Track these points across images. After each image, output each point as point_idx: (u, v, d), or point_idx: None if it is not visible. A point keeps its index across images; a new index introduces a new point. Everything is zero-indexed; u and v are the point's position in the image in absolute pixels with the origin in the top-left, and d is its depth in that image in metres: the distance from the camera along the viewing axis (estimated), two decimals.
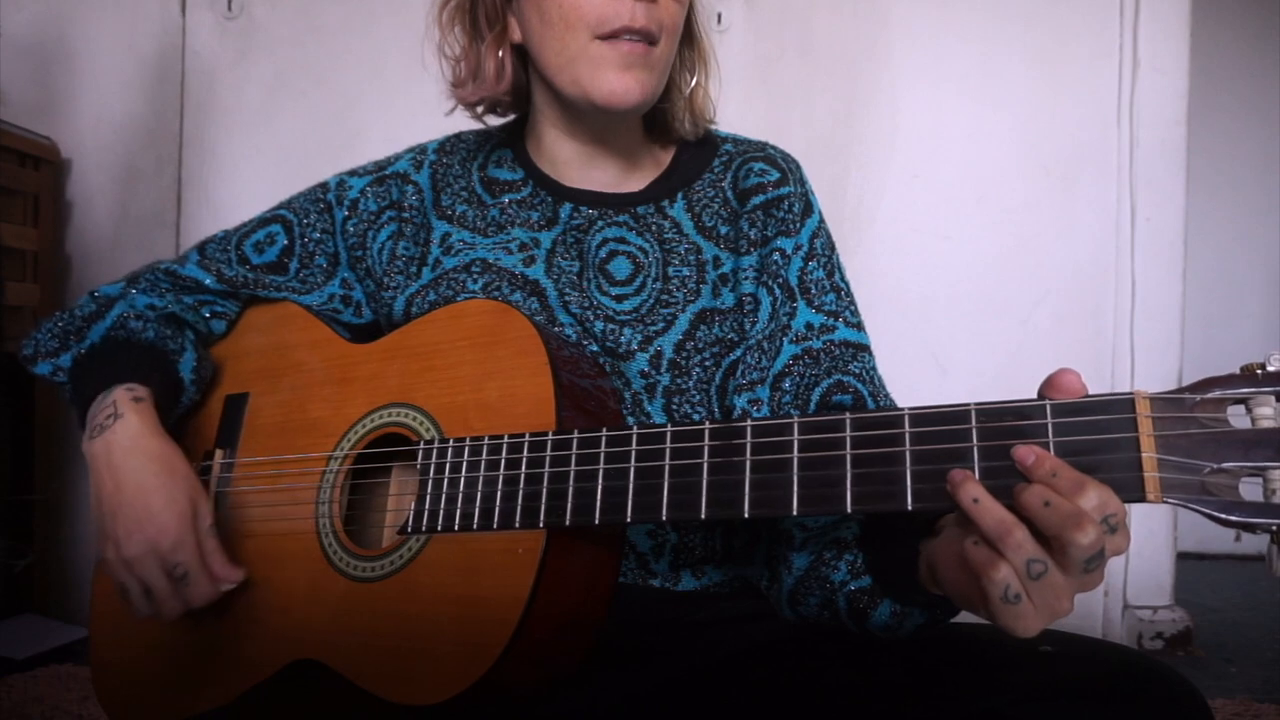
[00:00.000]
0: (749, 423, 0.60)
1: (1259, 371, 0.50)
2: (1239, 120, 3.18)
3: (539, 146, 0.90)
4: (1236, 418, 0.50)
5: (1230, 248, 3.18)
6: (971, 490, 0.52)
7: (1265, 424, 0.49)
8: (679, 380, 0.80)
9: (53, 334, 0.87)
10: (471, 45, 0.87)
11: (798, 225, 0.84)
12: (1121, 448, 0.50)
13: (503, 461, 0.67)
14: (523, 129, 0.93)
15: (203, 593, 0.76)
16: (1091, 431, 0.51)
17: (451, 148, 0.94)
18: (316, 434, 0.80)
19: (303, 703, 0.77)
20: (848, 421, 0.57)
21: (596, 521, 0.63)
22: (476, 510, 0.67)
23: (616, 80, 0.78)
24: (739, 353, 0.82)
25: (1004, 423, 0.53)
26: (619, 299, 0.83)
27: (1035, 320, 2.03)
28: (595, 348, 0.81)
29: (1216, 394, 0.49)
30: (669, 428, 0.62)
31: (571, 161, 0.88)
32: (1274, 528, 0.48)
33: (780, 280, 0.82)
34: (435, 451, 0.70)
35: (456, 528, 0.67)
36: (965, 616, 0.61)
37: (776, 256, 0.83)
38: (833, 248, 0.87)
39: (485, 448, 0.68)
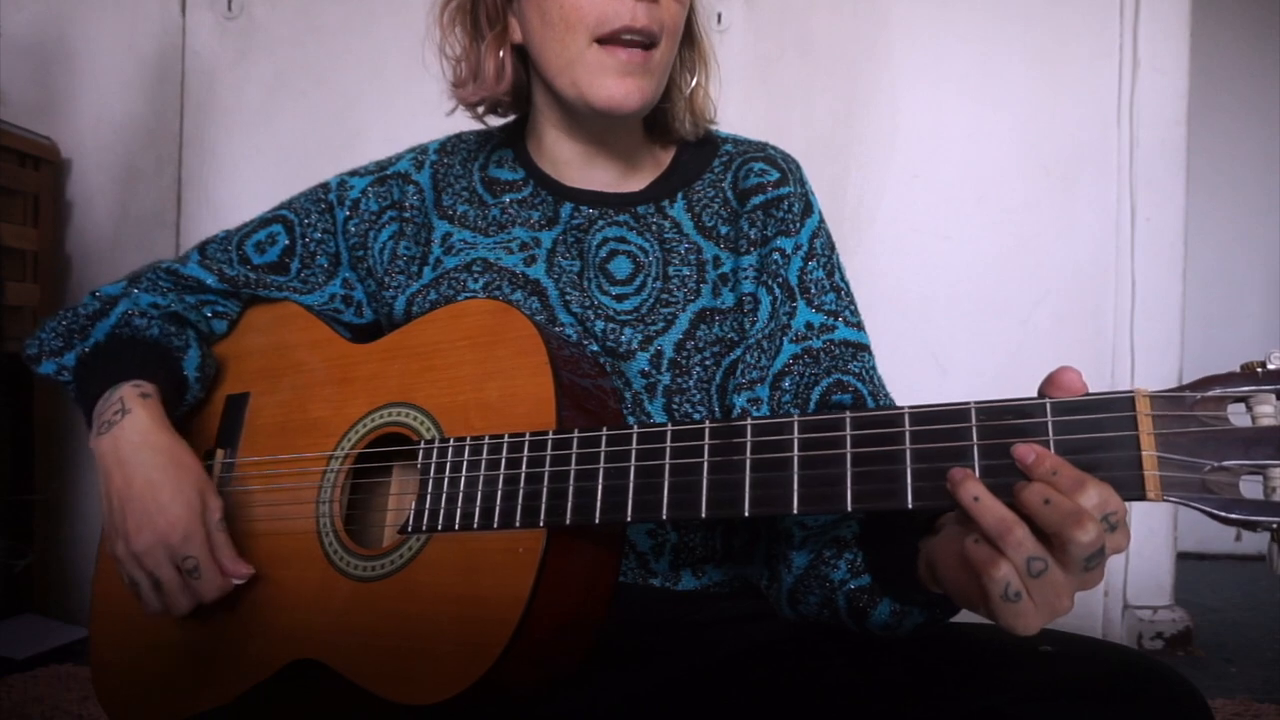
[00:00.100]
0: (749, 422, 0.60)
1: (1259, 370, 0.50)
2: (1239, 120, 3.18)
3: (540, 146, 0.90)
4: (1237, 416, 0.50)
5: (1230, 248, 3.18)
6: (972, 488, 0.52)
7: (1265, 422, 0.49)
8: (679, 380, 0.80)
9: (56, 333, 0.87)
10: (472, 45, 0.87)
11: (798, 225, 0.84)
12: (1122, 446, 0.50)
13: (503, 461, 0.67)
14: (523, 129, 0.93)
15: (212, 587, 0.76)
16: (1092, 430, 0.51)
17: (452, 148, 0.94)
18: (317, 434, 0.80)
19: (303, 702, 0.77)
20: (848, 420, 0.57)
21: (597, 521, 0.63)
22: (477, 510, 0.67)
23: (615, 86, 0.78)
24: (739, 352, 0.82)
25: (1004, 421, 0.53)
26: (619, 298, 0.83)
27: (1035, 320, 2.03)
28: (596, 347, 0.81)
29: (1216, 392, 0.49)
30: (669, 427, 0.62)
31: (572, 161, 0.88)
32: (1274, 526, 0.48)
33: (780, 280, 0.82)
34: (436, 451, 0.71)
35: (457, 527, 0.67)
36: (965, 616, 0.61)
37: (776, 256, 0.83)
38: (832, 248, 0.87)
39: (486, 447, 0.68)
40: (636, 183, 0.88)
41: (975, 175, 2.04)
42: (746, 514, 0.58)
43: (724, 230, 0.85)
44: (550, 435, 0.66)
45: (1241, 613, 2.33)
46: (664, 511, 0.61)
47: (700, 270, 0.84)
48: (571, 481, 0.64)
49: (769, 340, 0.81)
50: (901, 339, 2.01)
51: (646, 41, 0.78)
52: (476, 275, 0.84)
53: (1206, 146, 2.64)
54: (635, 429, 0.63)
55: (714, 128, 0.92)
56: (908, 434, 0.55)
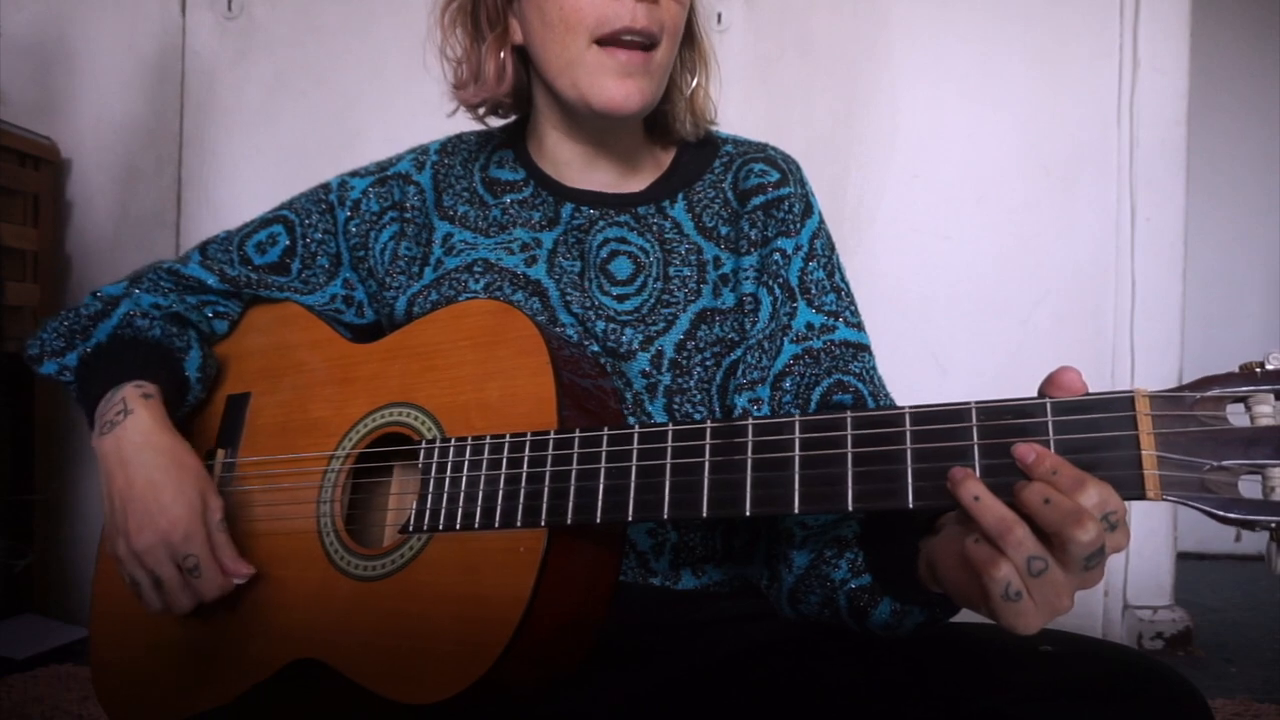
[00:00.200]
0: (750, 422, 0.60)
1: (1258, 370, 0.50)
2: (1239, 120, 3.18)
3: (540, 147, 0.90)
4: (1236, 416, 0.50)
5: (1230, 248, 3.18)
6: (972, 488, 0.52)
7: (1264, 422, 0.49)
8: (680, 380, 0.80)
9: (58, 333, 0.87)
10: (473, 47, 0.87)
11: (798, 226, 0.84)
12: (1121, 445, 0.50)
13: (504, 461, 0.67)
14: (524, 129, 0.93)
15: (213, 585, 0.76)
16: (1091, 429, 0.51)
17: (453, 148, 0.94)
18: (318, 434, 0.80)
19: (303, 702, 0.77)
20: (849, 420, 0.57)
21: (598, 520, 0.63)
22: (478, 509, 0.67)
23: (616, 87, 0.78)
24: (739, 352, 0.82)
25: (1004, 421, 0.53)
26: (620, 299, 0.83)
27: (1035, 320, 2.03)
28: (596, 348, 0.81)
29: (1216, 392, 0.50)
30: (670, 427, 0.62)
31: (573, 162, 0.88)
32: (1273, 525, 0.48)
33: (780, 280, 0.82)
34: (437, 451, 0.71)
35: (458, 527, 0.68)
36: (965, 615, 0.61)
37: (777, 257, 0.83)
38: (833, 248, 0.87)
39: (487, 447, 0.68)
40: (637, 183, 0.88)
41: (975, 175, 2.05)
42: (748, 513, 0.58)
43: (724, 231, 0.85)
44: (551, 435, 0.66)
45: (1241, 613, 2.33)
46: (665, 511, 0.61)
47: (701, 271, 0.84)
48: (573, 481, 0.64)
49: (769, 341, 0.81)
50: (901, 339, 2.01)
51: (646, 42, 0.78)
52: (477, 276, 0.84)
53: (1206, 146, 2.64)
54: (636, 429, 0.63)
55: (714, 128, 0.92)
56: (908, 434, 0.55)
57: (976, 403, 0.54)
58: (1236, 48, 3.17)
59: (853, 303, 0.85)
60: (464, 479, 0.68)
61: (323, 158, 1.84)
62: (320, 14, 2.13)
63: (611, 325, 0.81)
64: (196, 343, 0.88)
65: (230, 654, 0.78)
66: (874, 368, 0.83)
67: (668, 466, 0.61)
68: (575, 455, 0.64)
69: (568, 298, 0.83)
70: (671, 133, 0.89)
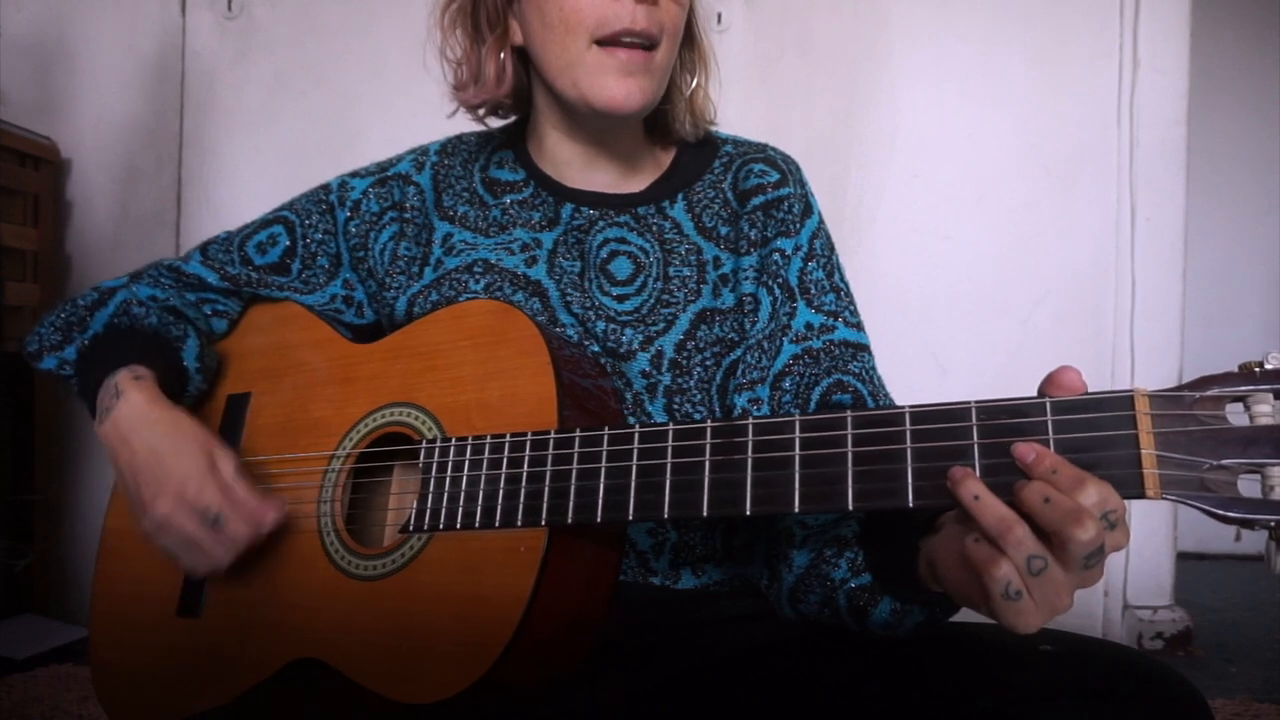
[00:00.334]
0: (750, 421, 0.60)
1: (1257, 370, 0.50)
2: (1239, 120, 3.18)
3: (540, 147, 0.90)
4: (1235, 415, 0.50)
5: (1230, 248, 3.18)
6: (972, 487, 0.52)
7: (1263, 421, 0.49)
8: (680, 380, 0.80)
9: (55, 327, 0.87)
10: (473, 48, 0.87)
11: (797, 226, 0.84)
12: (1121, 445, 0.50)
13: (505, 460, 0.67)
14: (524, 130, 0.93)
15: (241, 532, 0.74)
16: (1091, 429, 0.51)
17: (453, 149, 0.94)
18: (318, 433, 0.80)
19: (303, 702, 0.77)
20: (849, 419, 0.57)
21: (598, 520, 0.63)
22: (478, 509, 0.67)
23: (617, 86, 0.78)
24: (739, 352, 0.82)
25: (1004, 420, 0.53)
26: (620, 299, 0.83)
27: (1035, 320, 2.03)
28: (596, 348, 0.81)
29: (1215, 391, 0.50)
30: (671, 426, 0.63)
31: (573, 162, 0.88)
32: (1272, 524, 0.48)
33: (780, 280, 0.83)
34: (437, 450, 0.71)
35: (458, 526, 0.68)
36: (965, 615, 0.61)
37: (776, 257, 0.83)
38: (832, 248, 0.87)
39: (487, 446, 0.68)
40: (637, 184, 0.89)
41: (975, 175, 2.05)
42: (748, 513, 0.58)
43: (724, 231, 0.85)
44: (552, 435, 0.66)
45: (1241, 613, 2.33)
46: (665, 511, 0.61)
47: (700, 271, 0.84)
48: (573, 481, 0.64)
49: (769, 340, 0.81)
50: (901, 339, 2.01)
51: (646, 43, 0.78)
52: (478, 276, 0.84)
53: (1206, 146, 2.64)
54: (637, 429, 0.63)
55: (714, 129, 0.92)
56: (908, 433, 0.55)
57: (976, 402, 0.54)
58: (1236, 48, 3.17)
59: (852, 303, 0.85)
60: (464, 479, 0.68)
61: (323, 158, 1.85)
62: (320, 14, 2.13)
63: (611, 325, 0.82)
64: (194, 332, 0.88)
65: (230, 654, 0.78)
66: (873, 367, 0.83)
67: (668, 466, 0.61)
68: (576, 455, 0.64)
69: (568, 298, 0.83)
70: (671, 133, 0.89)
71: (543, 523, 0.64)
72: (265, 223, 0.93)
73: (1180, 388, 0.50)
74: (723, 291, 0.84)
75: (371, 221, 0.90)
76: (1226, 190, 3.14)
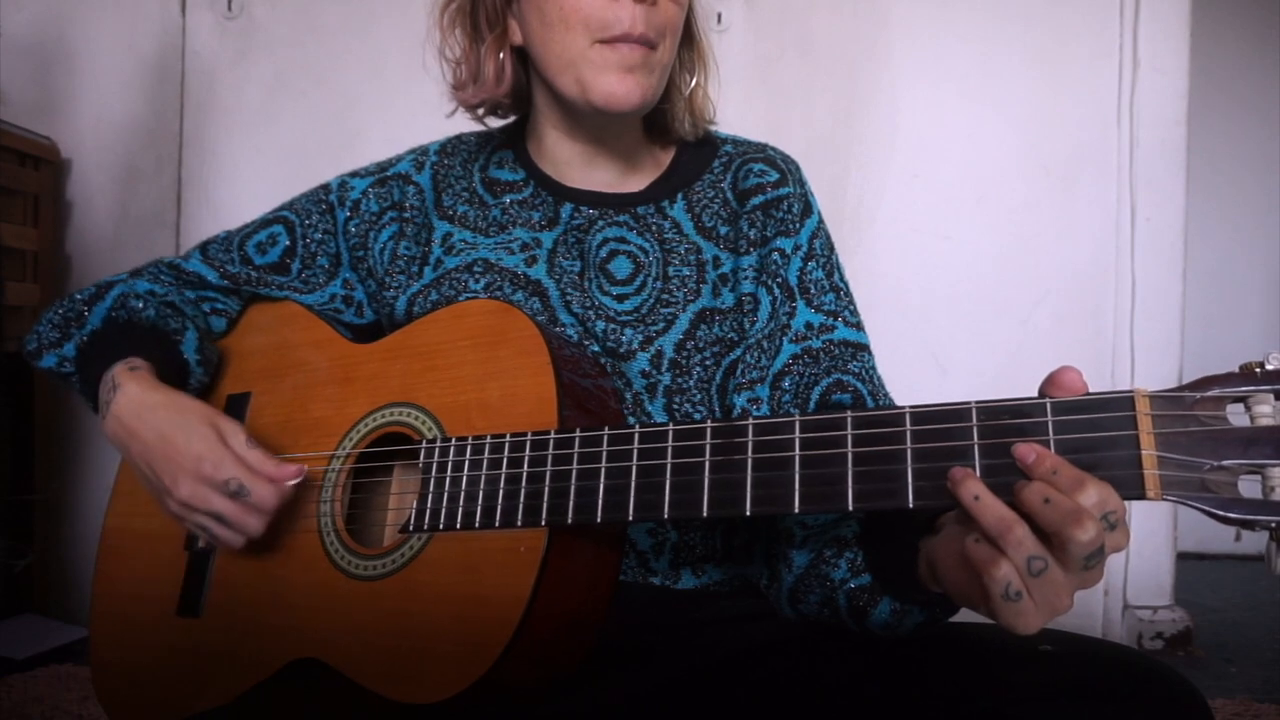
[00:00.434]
0: (750, 421, 0.60)
1: (1258, 370, 0.50)
2: (1239, 120, 3.18)
3: (540, 147, 0.90)
4: (1235, 416, 0.50)
5: (1230, 248, 3.18)
6: (972, 488, 0.52)
7: (1264, 422, 0.49)
8: (680, 380, 0.80)
9: (53, 324, 0.87)
10: (472, 48, 0.87)
11: (797, 226, 0.84)
12: (1121, 445, 0.50)
13: (505, 460, 0.67)
14: (523, 130, 0.93)
15: (267, 497, 0.74)
16: (1091, 429, 0.51)
17: (453, 149, 0.94)
18: (318, 433, 0.80)
19: (303, 702, 0.77)
20: (849, 420, 0.57)
21: (598, 520, 0.63)
22: (478, 509, 0.67)
23: (617, 83, 0.78)
24: (739, 352, 0.82)
25: (1004, 421, 0.53)
26: (620, 299, 0.83)
27: (1035, 320, 2.03)
28: (596, 348, 0.81)
29: (1215, 392, 0.50)
30: (671, 426, 0.62)
31: (572, 162, 0.88)
32: (1273, 525, 0.48)
33: (780, 280, 0.83)
34: (437, 450, 0.71)
35: (458, 526, 0.68)
36: (965, 615, 0.61)
37: (776, 256, 0.83)
38: (832, 248, 0.87)
39: (487, 446, 0.68)
40: (636, 183, 0.89)
41: (975, 175, 2.05)
42: (748, 513, 0.58)
43: (724, 230, 0.85)
44: (552, 435, 0.66)
45: (1241, 613, 2.33)
46: (665, 511, 0.61)
47: (700, 270, 0.84)
48: (573, 481, 0.64)
49: (769, 340, 0.81)
50: (901, 339, 2.01)
51: (647, 44, 0.78)
52: (477, 276, 0.84)
53: (1206, 146, 2.64)
54: (637, 429, 0.63)
55: (714, 128, 0.92)
56: (908, 433, 0.55)
57: (976, 403, 0.54)
58: (1236, 48, 3.17)
59: (852, 302, 0.85)
60: (464, 478, 0.68)
61: (323, 158, 1.84)
62: (320, 14, 2.13)
63: (611, 325, 0.82)
64: (193, 326, 0.88)
65: (230, 654, 0.78)
66: (873, 367, 0.83)
67: (668, 466, 0.61)
68: (576, 455, 0.64)
69: (568, 297, 0.83)
70: (671, 132, 0.89)
71: (543, 523, 0.64)
72: (265, 222, 0.93)
73: (1181, 388, 0.50)
74: (722, 291, 0.84)
75: (371, 221, 0.90)
76: (1226, 190, 3.14)
